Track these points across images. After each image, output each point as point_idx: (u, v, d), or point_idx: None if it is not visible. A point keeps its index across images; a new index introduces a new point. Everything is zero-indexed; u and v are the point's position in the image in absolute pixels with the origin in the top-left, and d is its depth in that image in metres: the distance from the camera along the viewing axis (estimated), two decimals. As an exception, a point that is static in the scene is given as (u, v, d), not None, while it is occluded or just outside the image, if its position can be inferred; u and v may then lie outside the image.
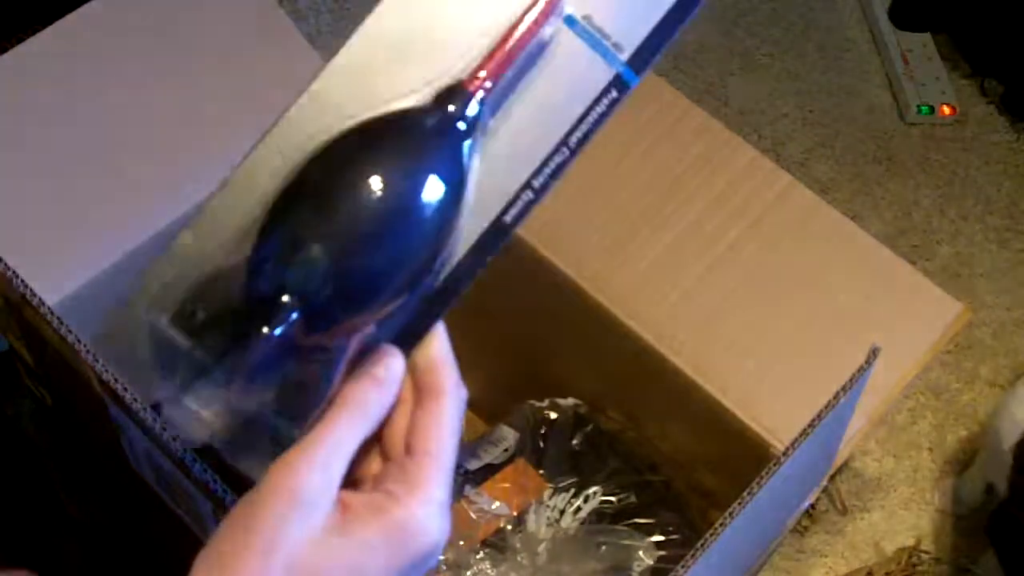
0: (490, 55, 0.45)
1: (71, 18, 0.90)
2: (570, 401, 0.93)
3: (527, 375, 1.04)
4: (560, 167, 0.45)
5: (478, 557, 0.82)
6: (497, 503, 0.85)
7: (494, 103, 0.46)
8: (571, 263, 0.87)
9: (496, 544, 0.83)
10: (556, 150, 0.45)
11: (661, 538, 0.85)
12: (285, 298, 0.43)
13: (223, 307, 0.44)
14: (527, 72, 0.46)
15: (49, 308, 0.68)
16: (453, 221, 0.45)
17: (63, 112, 0.86)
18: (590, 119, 0.46)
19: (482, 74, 0.45)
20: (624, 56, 0.46)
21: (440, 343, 0.48)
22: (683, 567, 0.64)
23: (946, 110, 1.53)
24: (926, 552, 1.18)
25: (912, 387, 0.93)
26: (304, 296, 0.43)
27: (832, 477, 0.93)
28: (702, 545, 0.64)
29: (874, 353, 0.70)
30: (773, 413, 0.81)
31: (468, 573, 0.81)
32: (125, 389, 0.65)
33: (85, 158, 0.84)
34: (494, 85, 0.45)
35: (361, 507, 0.42)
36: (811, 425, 0.69)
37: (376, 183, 0.43)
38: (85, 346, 0.66)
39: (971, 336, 1.35)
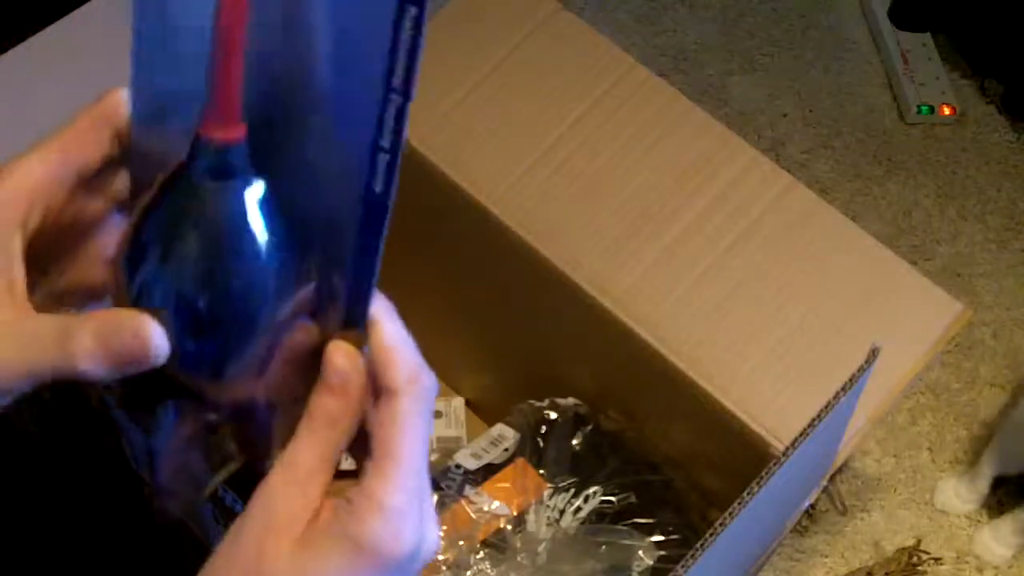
0: (216, 80, 0.38)
1: (71, 18, 0.90)
2: (570, 401, 0.93)
3: (527, 375, 1.04)
4: (400, 113, 0.39)
5: (478, 557, 0.82)
6: (497, 503, 0.85)
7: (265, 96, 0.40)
8: (571, 263, 0.87)
9: (496, 544, 0.83)
10: (386, 99, 0.38)
11: (661, 538, 0.85)
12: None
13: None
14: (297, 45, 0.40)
15: (49, 308, 0.67)
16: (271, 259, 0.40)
17: (63, 112, 0.86)
18: (402, 50, 0.37)
19: (233, 112, 0.39)
20: None
21: (385, 331, 0.42)
22: (683, 567, 0.64)
23: (946, 110, 1.54)
24: (926, 552, 1.18)
25: (912, 387, 0.93)
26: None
27: (832, 477, 0.93)
28: (702, 545, 0.64)
29: (874, 353, 0.70)
30: (773, 413, 0.81)
31: (468, 573, 0.81)
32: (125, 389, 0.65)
33: (85, 158, 0.84)
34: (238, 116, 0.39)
35: (326, 519, 0.41)
36: (811, 425, 0.69)
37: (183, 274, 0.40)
38: None
39: (971, 336, 1.35)
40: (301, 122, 0.41)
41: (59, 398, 0.90)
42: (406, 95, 0.38)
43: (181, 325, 0.40)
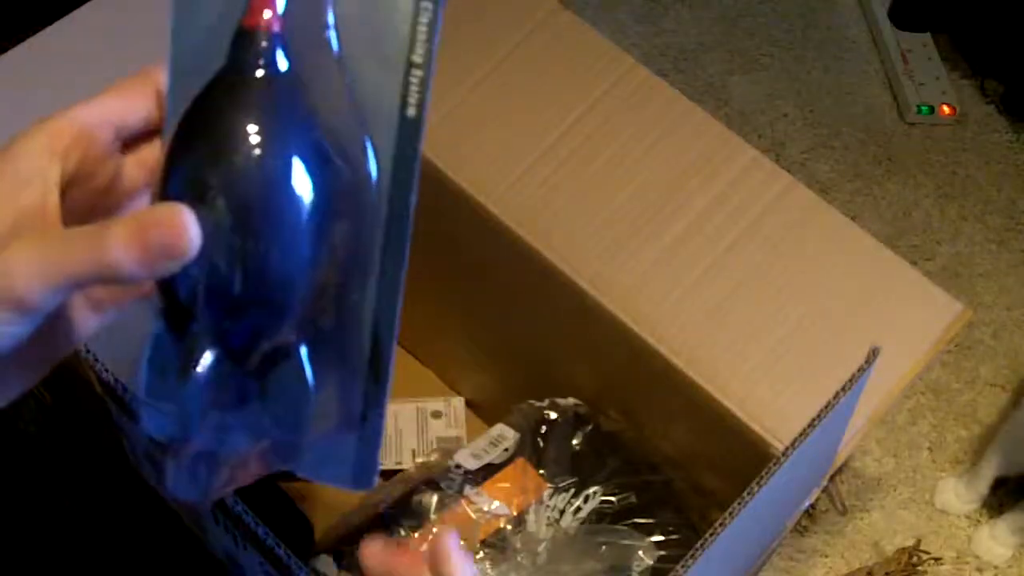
0: None
1: (71, 18, 0.90)
2: (570, 401, 0.93)
3: (527, 375, 1.04)
4: (432, 25, 0.41)
5: (478, 557, 0.82)
6: (497, 503, 0.85)
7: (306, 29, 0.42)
8: (571, 263, 0.87)
9: (496, 544, 0.83)
10: (415, 22, 0.41)
11: (661, 538, 0.85)
12: (195, 327, 0.40)
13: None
14: None
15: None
16: (326, 177, 0.41)
17: (63, 112, 0.86)
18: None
19: (257, 7, 0.41)
20: None
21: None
22: (683, 567, 0.64)
23: (946, 110, 1.54)
24: (926, 552, 1.18)
25: (912, 387, 0.93)
26: (216, 318, 0.40)
27: (832, 477, 0.93)
28: (702, 545, 0.64)
29: (874, 353, 0.70)
30: (773, 413, 0.81)
31: (468, 573, 0.81)
32: (125, 389, 0.65)
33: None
34: (271, 20, 0.41)
35: None
36: (811, 425, 0.69)
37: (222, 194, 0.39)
38: (85, 346, 0.66)
39: (971, 336, 1.35)
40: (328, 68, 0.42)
41: (59, 398, 0.90)
42: (438, 3, 0.40)
43: (230, 225, 0.39)
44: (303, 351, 0.42)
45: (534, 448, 0.90)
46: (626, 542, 0.84)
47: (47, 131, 0.42)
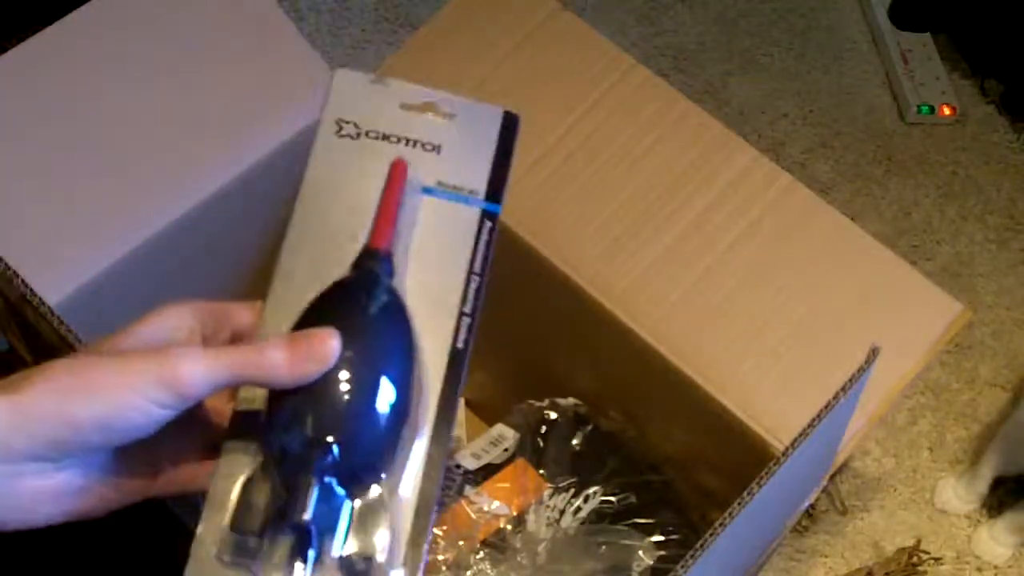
0: (376, 221, 0.54)
1: (71, 18, 0.90)
2: (570, 401, 0.93)
3: (527, 375, 1.04)
4: (479, 291, 0.55)
5: (478, 557, 0.82)
6: (497, 503, 0.85)
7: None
8: (571, 263, 0.87)
9: (496, 544, 0.83)
10: (468, 280, 0.55)
11: (661, 538, 0.85)
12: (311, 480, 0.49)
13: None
14: (409, 240, 0.55)
15: (49, 308, 0.68)
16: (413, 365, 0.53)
17: (63, 112, 0.86)
18: (480, 249, 0.56)
19: (385, 232, 0.54)
20: (481, 196, 0.57)
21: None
22: (683, 567, 0.64)
23: (946, 110, 1.54)
24: (926, 552, 1.18)
25: (912, 387, 0.93)
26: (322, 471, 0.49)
27: (832, 477, 0.93)
28: (702, 545, 0.64)
29: (874, 353, 0.70)
30: (773, 413, 0.81)
31: (468, 573, 0.81)
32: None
33: (85, 158, 0.84)
34: (390, 245, 0.54)
35: None
36: (811, 425, 0.69)
37: (354, 368, 0.50)
38: (85, 346, 0.66)
39: (971, 336, 1.35)
40: None
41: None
42: (482, 277, 0.56)
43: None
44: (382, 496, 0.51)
45: (534, 448, 0.90)
46: (626, 542, 0.84)
47: (191, 303, 0.52)
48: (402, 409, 0.51)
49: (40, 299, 0.68)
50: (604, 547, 0.83)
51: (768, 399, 0.81)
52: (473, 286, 0.55)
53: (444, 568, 0.81)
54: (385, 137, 0.57)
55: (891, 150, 1.51)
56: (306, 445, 0.49)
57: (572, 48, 0.95)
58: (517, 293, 0.94)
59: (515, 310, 0.98)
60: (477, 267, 0.56)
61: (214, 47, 0.89)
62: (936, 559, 1.19)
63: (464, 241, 0.56)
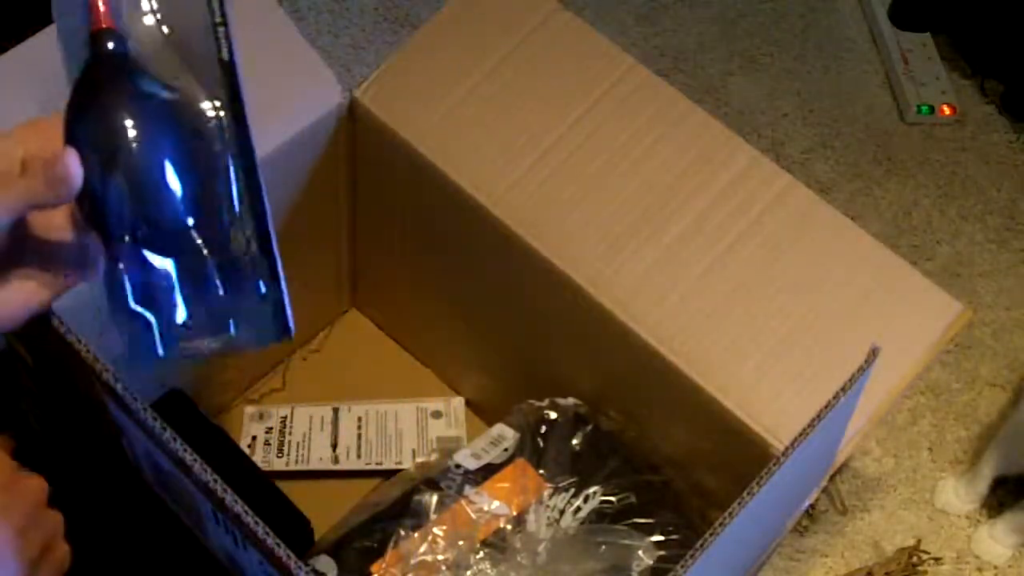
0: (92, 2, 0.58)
1: (71, 18, 0.89)
2: (570, 401, 0.93)
3: (527, 375, 1.04)
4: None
5: (478, 557, 0.82)
6: (497, 503, 0.85)
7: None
8: (571, 263, 0.87)
9: (496, 544, 0.83)
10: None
11: (661, 538, 0.85)
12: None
13: None
14: None
15: (49, 308, 0.68)
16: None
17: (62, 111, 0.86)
18: None
19: (101, 8, 0.57)
20: None
21: None
22: (683, 567, 0.64)
23: (946, 110, 1.54)
24: (926, 552, 1.18)
25: (912, 387, 0.93)
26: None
27: (832, 477, 0.93)
28: (702, 545, 0.64)
29: (874, 353, 0.70)
30: (773, 413, 0.81)
31: (468, 573, 0.81)
32: (125, 389, 0.66)
33: (85, 158, 0.84)
34: (111, 20, 0.58)
35: None
36: (811, 425, 0.69)
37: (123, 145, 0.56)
38: (85, 346, 0.67)
39: (971, 336, 1.35)
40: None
41: (59, 398, 0.90)
42: None
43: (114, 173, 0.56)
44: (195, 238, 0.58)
45: (534, 448, 0.90)
46: (626, 542, 0.84)
47: (20, 127, 0.58)
48: (185, 159, 0.57)
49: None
50: (604, 547, 0.83)
51: (768, 399, 0.81)
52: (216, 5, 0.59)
53: (444, 568, 0.81)
54: None
55: (891, 150, 1.51)
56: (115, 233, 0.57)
57: (572, 48, 0.95)
58: (517, 293, 0.95)
59: (515, 310, 0.98)
60: None
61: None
62: (936, 559, 1.19)
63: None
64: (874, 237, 0.88)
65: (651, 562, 0.83)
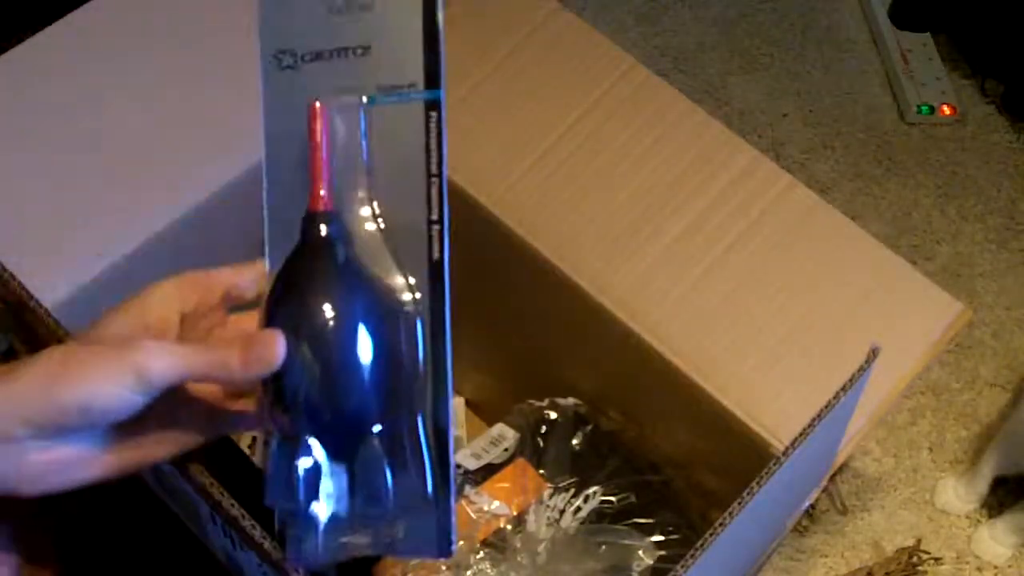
0: (311, 181, 0.55)
1: (71, 18, 0.90)
2: (570, 401, 0.93)
3: (527, 375, 1.04)
4: (441, 192, 0.55)
5: (478, 557, 0.82)
6: (497, 503, 0.85)
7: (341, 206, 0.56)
8: (571, 263, 0.87)
9: (496, 544, 0.83)
10: (429, 183, 0.55)
11: (661, 538, 0.85)
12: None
13: None
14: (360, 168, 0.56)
15: (48, 309, 0.68)
16: (383, 315, 0.55)
17: (63, 112, 0.86)
18: (432, 143, 0.55)
19: (321, 193, 0.55)
20: (420, 86, 0.55)
21: None
22: (683, 567, 0.64)
23: (946, 110, 1.54)
24: (926, 552, 1.18)
25: (912, 387, 0.93)
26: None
27: (832, 477, 0.93)
28: (702, 545, 0.64)
29: (874, 353, 0.70)
30: (773, 413, 0.81)
31: (468, 573, 0.81)
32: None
33: (85, 158, 0.84)
34: (329, 201, 0.55)
35: None
36: (811, 425, 0.69)
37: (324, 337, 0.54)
38: (80, 333, 0.66)
39: (971, 336, 1.35)
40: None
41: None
42: (441, 176, 0.55)
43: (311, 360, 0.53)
44: (376, 443, 0.55)
45: (534, 448, 0.90)
46: (626, 542, 0.84)
47: (176, 279, 0.57)
48: (380, 357, 0.54)
49: (37, 301, 0.68)
50: (604, 547, 0.83)
51: (768, 399, 0.81)
52: (435, 190, 0.55)
53: (444, 568, 0.81)
54: (318, 56, 0.56)
55: (891, 150, 1.51)
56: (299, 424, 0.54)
57: (572, 48, 0.95)
58: (517, 293, 0.95)
59: (515, 310, 0.98)
60: (434, 168, 0.55)
61: (214, 47, 0.89)
62: (936, 559, 1.19)
63: (416, 146, 0.55)
64: (874, 237, 0.88)
65: (651, 562, 0.83)
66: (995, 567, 1.20)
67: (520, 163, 0.90)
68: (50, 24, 0.89)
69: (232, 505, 0.61)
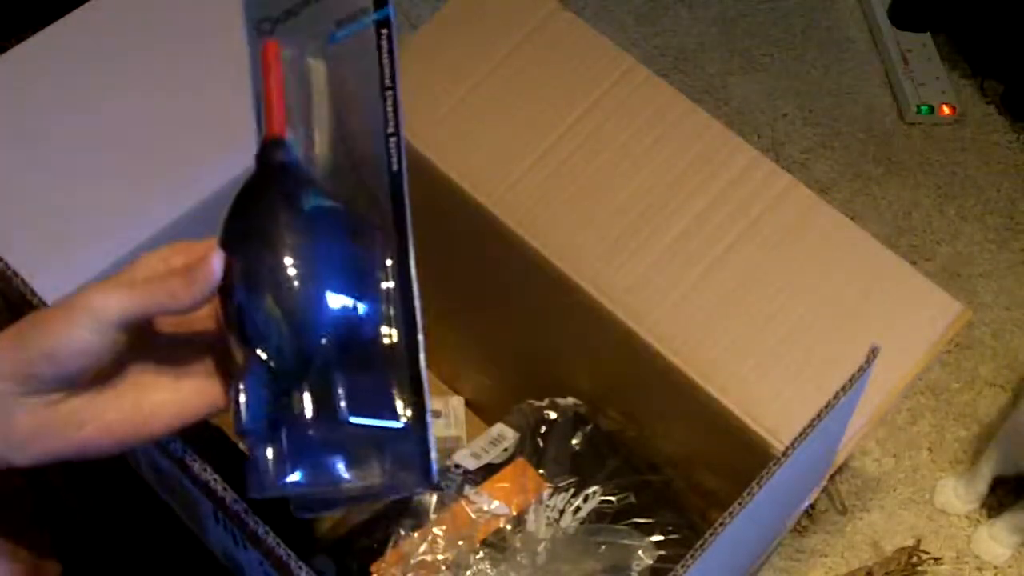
0: (265, 111, 0.56)
1: (71, 18, 0.90)
2: (570, 401, 0.93)
3: (527, 375, 1.04)
4: (396, 103, 0.56)
5: (478, 557, 0.82)
6: (497, 503, 0.85)
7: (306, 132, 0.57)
8: (571, 263, 0.87)
9: (496, 544, 0.83)
10: (384, 96, 0.56)
11: (661, 538, 0.85)
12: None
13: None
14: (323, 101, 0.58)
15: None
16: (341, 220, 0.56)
17: (63, 112, 0.86)
18: (384, 58, 0.56)
19: (275, 119, 0.56)
20: (370, 8, 0.56)
21: None
22: (683, 567, 0.64)
23: (946, 110, 1.54)
24: (926, 552, 1.18)
25: (912, 387, 0.93)
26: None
27: (832, 477, 0.93)
28: (702, 545, 0.64)
29: (874, 353, 0.70)
30: (773, 413, 0.81)
31: (468, 573, 0.81)
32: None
33: (85, 158, 0.84)
34: (283, 128, 0.56)
35: None
36: (811, 425, 0.69)
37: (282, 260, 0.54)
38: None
39: (971, 336, 1.35)
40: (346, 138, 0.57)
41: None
42: (395, 88, 0.56)
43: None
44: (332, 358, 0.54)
45: (534, 448, 0.90)
46: (626, 542, 0.84)
47: (166, 246, 0.57)
48: (335, 275, 0.54)
49: (40, 299, 0.68)
50: (604, 547, 0.83)
51: (768, 399, 0.81)
52: (389, 102, 0.56)
53: (444, 568, 0.81)
54: (288, 14, 0.58)
55: (891, 150, 1.51)
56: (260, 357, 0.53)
57: (572, 48, 0.95)
58: (517, 293, 0.95)
59: (515, 310, 0.98)
60: (387, 80, 0.56)
61: (213, 47, 0.89)
62: (936, 559, 1.19)
63: (371, 66, 0.56)
64: (874, 237, 0.88)
65: (651, 562, 0.83)
66: (995, 567, 1.20)
67: (520, 163, 0.91)
68: (50, 24, 0.89)
69: (236, 501, 0.61)
